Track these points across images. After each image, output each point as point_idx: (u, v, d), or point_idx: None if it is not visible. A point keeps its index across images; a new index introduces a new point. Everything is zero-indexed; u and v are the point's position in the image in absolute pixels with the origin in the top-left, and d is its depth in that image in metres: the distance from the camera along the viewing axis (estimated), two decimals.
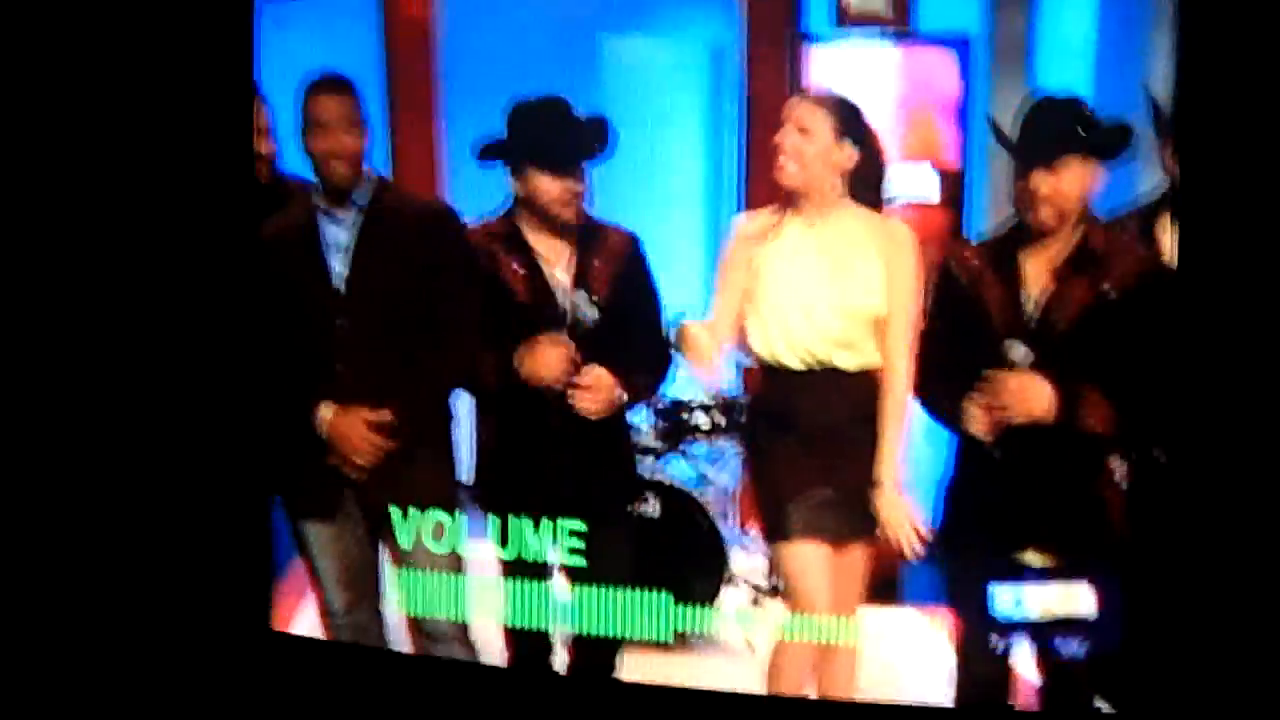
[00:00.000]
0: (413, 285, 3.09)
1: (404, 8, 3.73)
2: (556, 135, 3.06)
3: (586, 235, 3.12)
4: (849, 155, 2.93)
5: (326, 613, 3.27)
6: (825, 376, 2.96)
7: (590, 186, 3.10)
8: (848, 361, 2.95)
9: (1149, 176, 3.01)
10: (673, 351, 3.19)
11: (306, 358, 3.11)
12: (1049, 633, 2.93)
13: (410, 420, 3.11)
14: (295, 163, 3.22)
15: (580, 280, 3.10)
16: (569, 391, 3.06)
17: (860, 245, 2.94)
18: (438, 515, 3.16)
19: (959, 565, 3.03)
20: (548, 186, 3.06)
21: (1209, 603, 2.80)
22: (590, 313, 3.08)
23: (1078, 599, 2.91)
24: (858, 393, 2.95)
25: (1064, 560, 2.90)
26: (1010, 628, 2.94)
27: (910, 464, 2.98)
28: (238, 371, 3.30)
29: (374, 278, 3.09)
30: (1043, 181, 2.80)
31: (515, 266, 3.09)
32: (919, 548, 2.94)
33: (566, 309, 3.11)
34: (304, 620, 3.47)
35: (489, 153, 3.10)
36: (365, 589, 3.25)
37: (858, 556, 3.01)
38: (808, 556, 2.98)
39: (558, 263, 3.11)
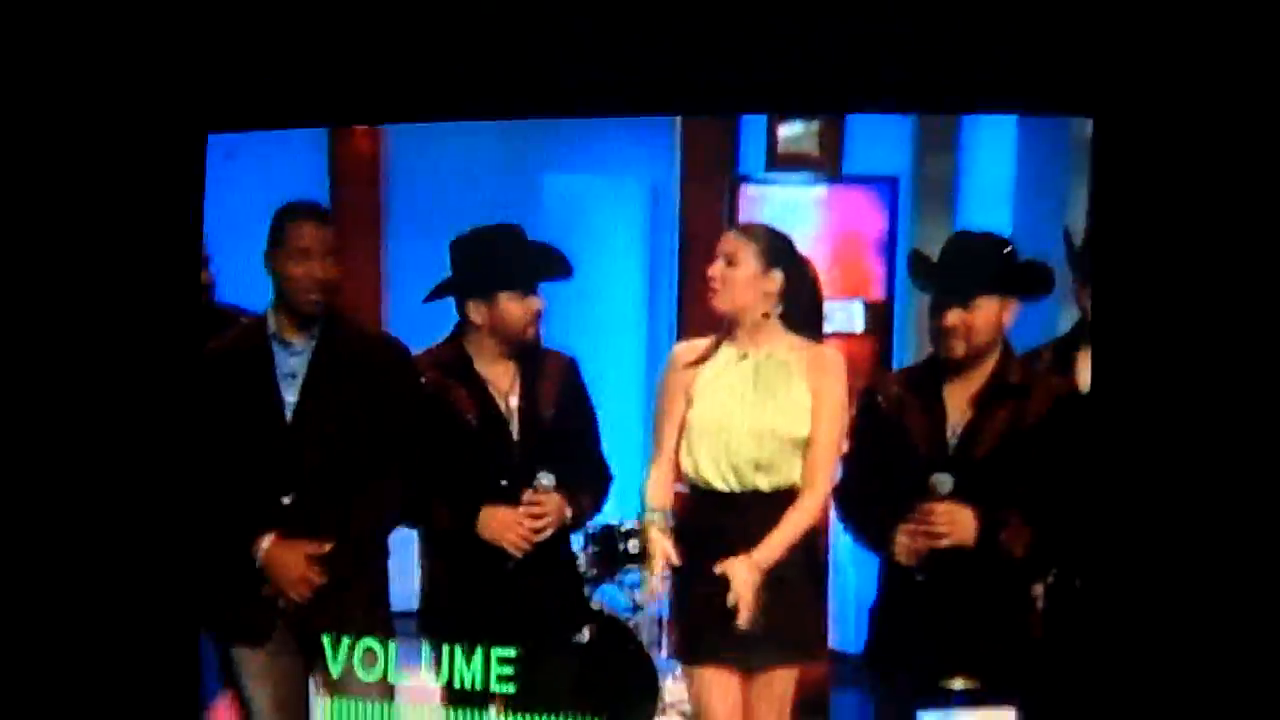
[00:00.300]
0: (362, 419, 3.12)
1: (352, 142, 3.82)
2: (518, 258, 3.17)
3: (530, 359, 3.19)
4: (775, 281, 3.02)
5: None
6: (746, 498, 3.03)
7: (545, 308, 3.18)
8: (766, 483, 3.01)
9: (1065, 311, 3.11)
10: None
11: (250, 486, 3.11)
12: None
13: (351, 555, 3.11)
14: (233, 292, 3.27)
15: (527, 404, 3.16)
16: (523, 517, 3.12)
17: (788, 371, 3.03)
18: (369, 643, 3.14)
19: (886, 690, 3.05)
20: (512, 309, 3.15)
21: None
22: (547, 481, 3.13)
23: None
24: (777, 514, 3.00)
25: (989, 684, 2.93)
26: None
27: (836, 589, 3.01)
28: (172, 497, 3.29)
29: (325, 409, 3.11)
30: (954, 316, 2.90)
31: (466, 395, 3.15)
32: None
33: (517, 440, 3.16)
34: None
35: (447, 287, 3.19)
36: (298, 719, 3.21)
37: (776, 684, 3.02)
38: (716, 683, 3.04)
39: (509, 390, 3.17)
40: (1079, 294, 3.04)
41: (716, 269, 3.07)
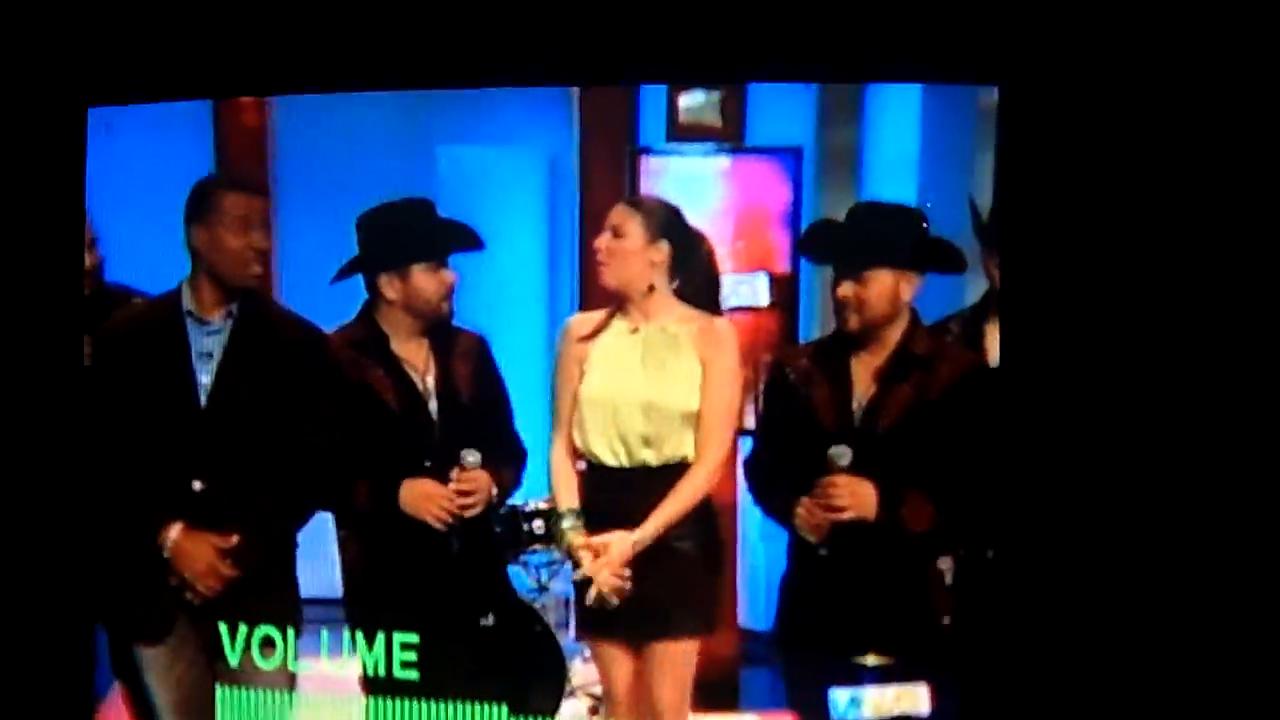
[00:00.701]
0: (280, 402, 3.02)
1: (238, 115, 3.69)
2: (430, 231, 3.12)
3: (443, 338, 3.15)
4: (662, 252, 2.99)
5: None
6: (637, 473, 3.00)
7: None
8: (655, 458, 2.97)
9: (973, 282, 3.10)
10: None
11: (158, 471, 3.00)
12: None
13: (261, 547, 3.02)
14: (123, 272, 3.17)
15: (443, 383, 3.12)
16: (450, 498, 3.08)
17: (677, 344, 3.00)
18: (267, 631, 3.06)
19: (797, 667, 3.03)
20: (427, 282, 3.09)
21: (1043, 698, 2.83)
22: (473, 459, 3.09)
23: (914, 698, 2.91)
24: (665, 487, 2.97)
25: (898, 660, 2.92)
26: None
27: (746, 566, 2.99)
28: (66, 484, 3.18)
29: (241, 392, 3.01)
30: (845, 288, 2.88)
31: (383, 375, 3.10)
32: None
33: (436, 419, 3.12)
34: None
35: (357, 263, 3.12)
36: (201, 716, 3.11)
37: (670, 658, 2.98)
38: (612, 659, 3.03)
39: (425, 369, 3.12)
40: (987, 264, 3.03)
41: (603, 241, 3.03)
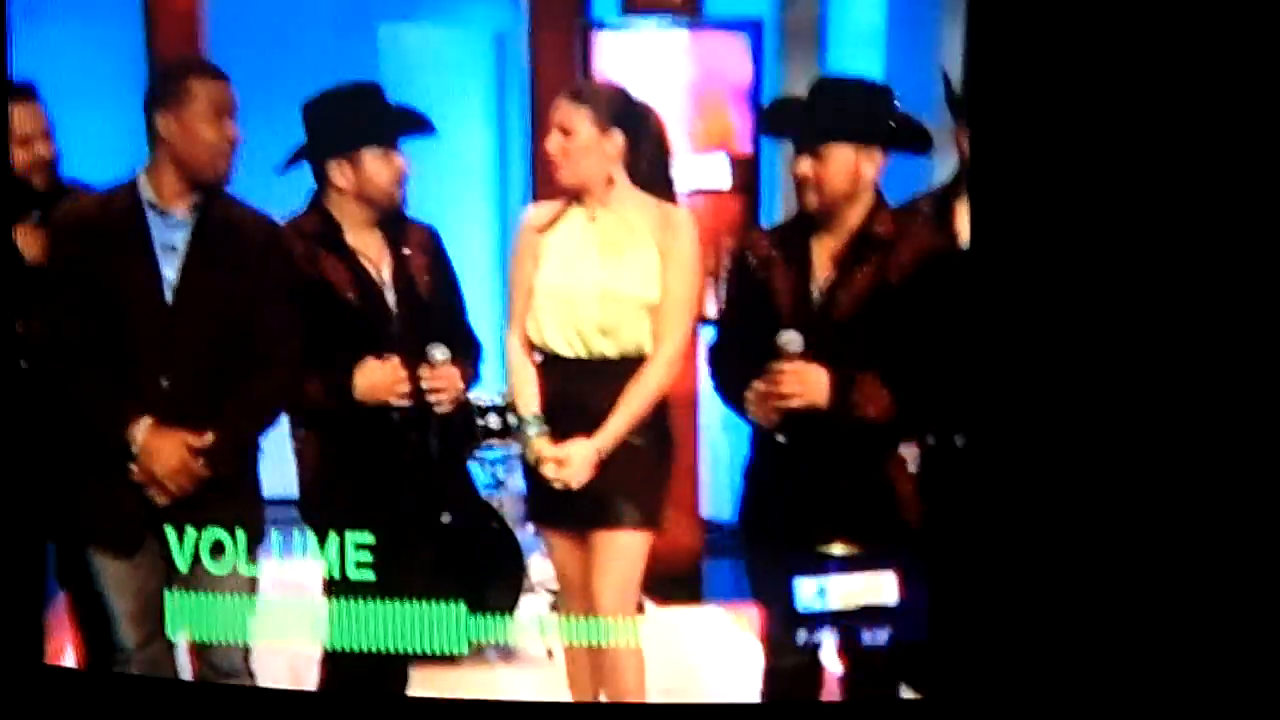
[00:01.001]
0: (244, 299, 2.91)
1: None
2: (379, 115, 3.01)
3: (396, 230, 3.06)
4: (616, 143, 2.88)
5: (113, 648, 3.01)
6: (594, 365, 2.91)
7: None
8: (613, 349, 2.89)
9: (943, 159, 3.00)
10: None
11: (122, 370, 2.88)
12: (854, 622, 2.88)
13: (234, 447, 2.93)
14: (79, 168, 3.06)
15: (399, 275, 3.03)
16: (426, 394, 3.01)
17: (635, 233, 2.90)
18: (217, 534, 2.98)
19: (761, 558, 2.98)
20: (378, 167, 2.98)
21: (1011, 587, 2.79)
22: (441, 354, 3.01)
23: (880, 588, 2.87)
24: (623, 380, 2.89)
25: (864, 549, 2.86)
26: (815, 620, 2.89)
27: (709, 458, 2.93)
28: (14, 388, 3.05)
29: (207, 286, 2.88)
30: (803, 165, 2.79)
31: (339, 265, 2.99)
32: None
33: (394, 310, 3.03)
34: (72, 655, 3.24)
35: (304, 151, 3.02)
36: (161, 623, 3.02)
37: (618, 549, 2.92)
38: (563, 549, 2.98)
39: (379, 262, 3.03)
40: (958, 139, 2.93)
41: (553, 143, 2.92)
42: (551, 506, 2.94)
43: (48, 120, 3.10)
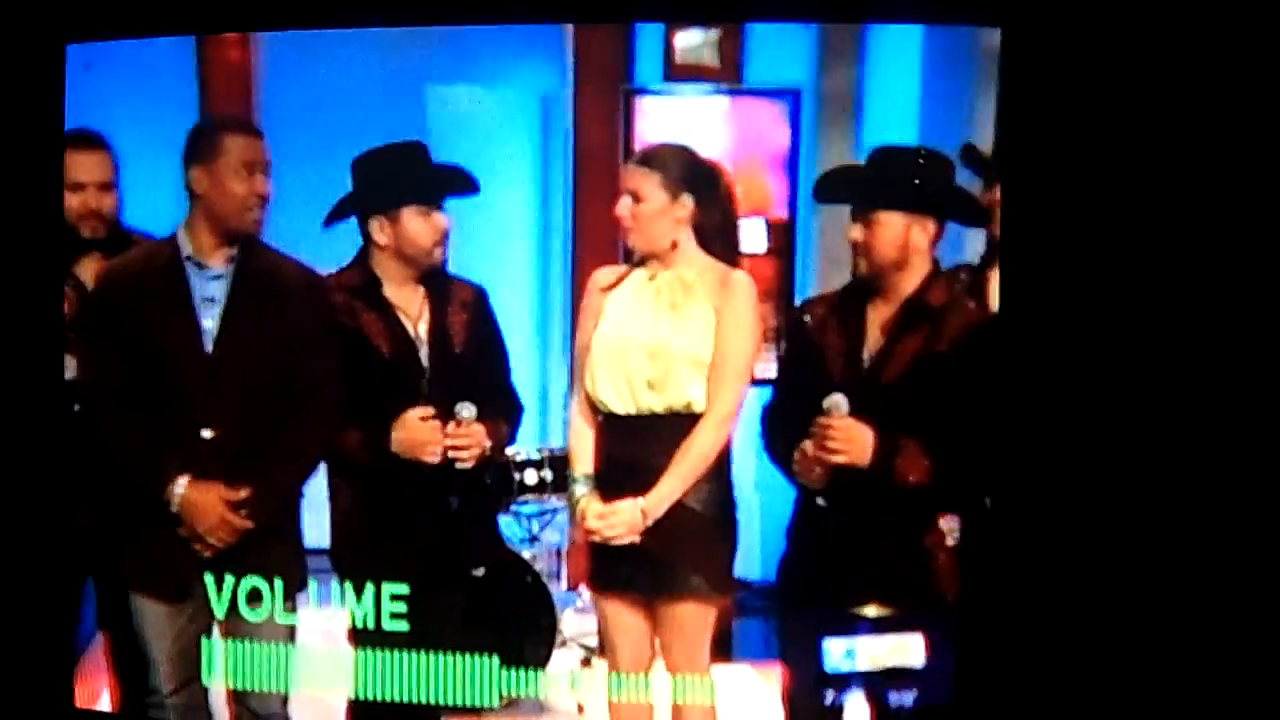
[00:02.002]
0: (283, 349, 2.97)
1: (223, 52, 3.61)
2: (423, 174, 3.06)
3: (439, 287, 3.10)
4: (686, 206, 2.92)
5: (149, 692, 3.06)
6: (645, 422, 2.93)
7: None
8: (659, 404, 2.91)
9: (975, 232, 3.04)
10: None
11: (165, 422, 2.94)
12: (880, 683, 2.90)
13: (274, 497, 2.98)
14: (140, 217, 3.13)
15: (437, 332, 3.07)
16: (449, 450, 3.05)
17: (691, 292, 2.92)
18: (255, 581, 3.02)
19: (793, 617, 3.01)
20: (418, 226, 3.03)
21: (1038, 652, 2.81)
22: (468, 413, 3.05)
23: (908, 650, 2.89)
24: (676, 439, 2.91)
25: (895, 612, 2.89)
26: (842, 680, 2.91)
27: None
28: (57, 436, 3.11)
29: (246, 338, 2.95)
30: (854, 231, 2.84)
31: (375, 320, 3.05)
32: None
33: (427, 366, 3.07)
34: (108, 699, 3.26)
35: (349, 205, 3.07)
36: (198, 669, 3.06)
37: (683, 617, 2.94)
38: (618, 611, 2.97)
39: (417, 318, 3.07)
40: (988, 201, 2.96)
41: (624, 207, 2.94)
42: (614, 571, 2.96)
43: (115, 168, 3.17)
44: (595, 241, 3.07)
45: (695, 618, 2.93)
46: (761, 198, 3.58)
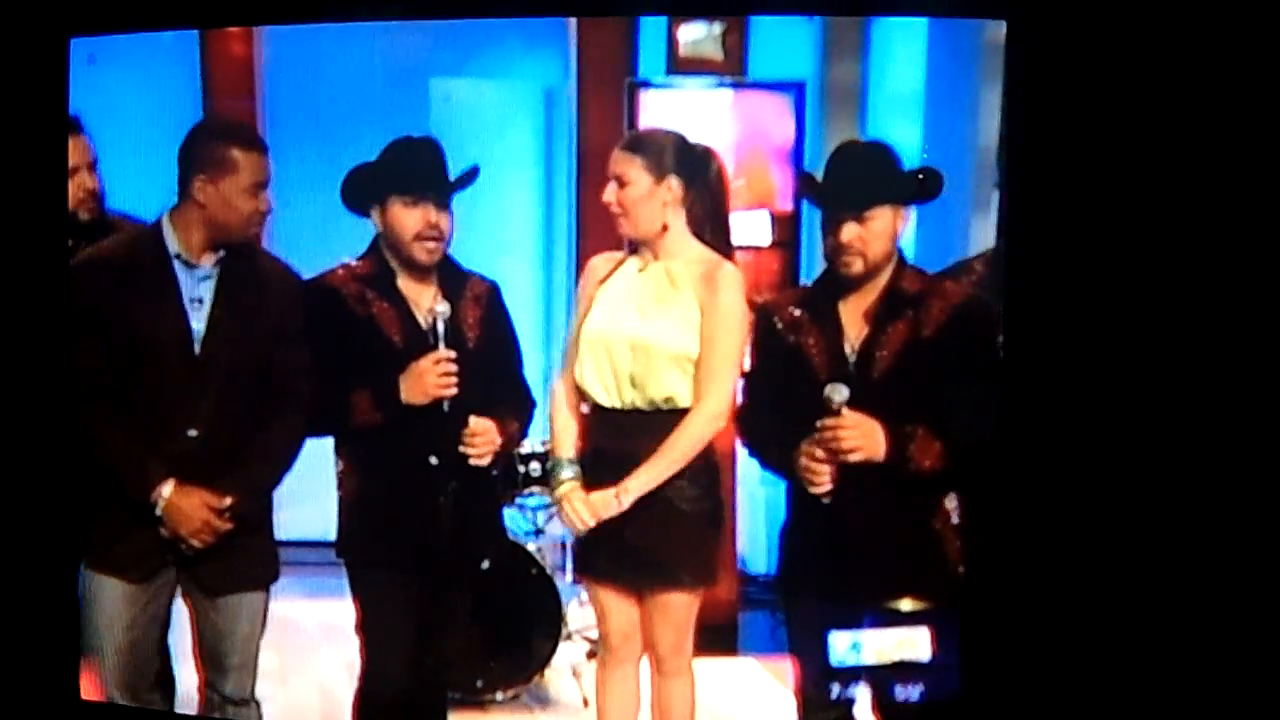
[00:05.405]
0: (265, 350, 2.93)
1: (226, 46, 3.61)
2: (428, 169, 2.99)
3: (452, 281, 3.06)
4: (672, 189, 2.90)
5: None
6: (632, 416, 2.91)
7: (453, 227, 3.03)
8: (639, 399, 2.90)
9: (983, 221, 3.05)
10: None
11: (146, 420, 2.90)
12: (887, 677, 2.89)
13: (254, 499, 2.95)
14: (122, 200, 3.09)
15: (448, 325, 3.00)
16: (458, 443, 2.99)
17: (677, 286, 2.90)
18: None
19: (796, 613, 3.00)
20: (402, 220, 2.96)
21: (1045, 646, 2.81)
22: None
23: (915, 643, 2.89)
24: (662, 434, 2.88)
25: (916, 602, 2.87)
26: (849, 674, 2.91)
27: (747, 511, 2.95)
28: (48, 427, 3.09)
29: (233, 339, 2.91)
30: (849, 230, 2.79)
31: (388, 309, 3.00)
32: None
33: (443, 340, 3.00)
34: None
35: (354, 180, 3.01)
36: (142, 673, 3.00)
37: (672, 607, 2.94)
38: (609, 601, 2.95)
39: (431, 309, 3.01)
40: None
41: (611, 193, 2.91)
42: (603, 561, 2.94)
43: (93, 152, 3.12)
44: (599, 234, 3.04)
45: (682, 609, 2.92)
46: (766, 190, 3.58)
